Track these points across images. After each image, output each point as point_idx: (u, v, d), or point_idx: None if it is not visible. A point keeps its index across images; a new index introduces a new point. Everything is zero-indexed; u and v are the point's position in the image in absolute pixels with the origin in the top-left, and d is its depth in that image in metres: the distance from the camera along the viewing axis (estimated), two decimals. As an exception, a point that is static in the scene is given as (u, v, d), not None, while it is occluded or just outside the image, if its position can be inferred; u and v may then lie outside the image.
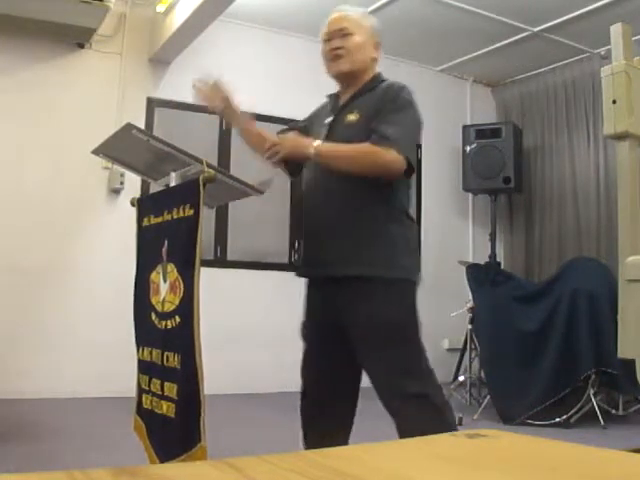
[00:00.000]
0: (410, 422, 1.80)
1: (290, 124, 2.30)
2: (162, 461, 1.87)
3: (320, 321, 2.03)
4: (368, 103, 1.96)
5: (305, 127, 2.19)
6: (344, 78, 2.04)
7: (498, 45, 5.53)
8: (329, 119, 2.03)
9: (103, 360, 4.44)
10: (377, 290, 1.90)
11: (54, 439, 3.23)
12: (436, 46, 5.63)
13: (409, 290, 1.95)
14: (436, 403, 1.87)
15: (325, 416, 2.02)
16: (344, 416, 2.05)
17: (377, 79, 2.03)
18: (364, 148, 1.86)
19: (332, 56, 2.01)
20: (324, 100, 2.18)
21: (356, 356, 1.95)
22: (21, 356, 4.35)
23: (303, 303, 2.10)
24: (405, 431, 1.80)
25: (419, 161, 6.15)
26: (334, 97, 2.12)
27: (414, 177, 2.02)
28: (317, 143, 1.90)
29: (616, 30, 1.98)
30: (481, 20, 5.04)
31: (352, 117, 1.96)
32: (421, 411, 1.83)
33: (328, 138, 1.96)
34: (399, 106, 1.91)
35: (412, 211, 2.06)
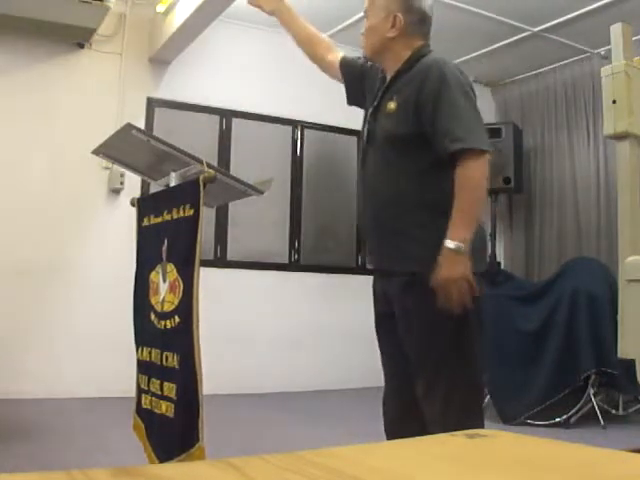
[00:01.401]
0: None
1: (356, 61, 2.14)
2: (161, 461, 1.87)
3: (380, 313, 1.98)
4: (404, 88, 1.82)
5: (362, 82, 2.07)
6: (375, 62, 1.98)
7: (498, 45, 5.52)
8: (370, 109, 1.92)
9: (103, 360, 4.44)
10: (422, 286, 1.76)
11: (54, 439, 3.23)
12: (436, 46, 5.61)
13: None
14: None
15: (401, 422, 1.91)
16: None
17: (414, 56, 1.86)
18: (463, 184, 1.72)
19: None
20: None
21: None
22: (21, 356, 4.34)
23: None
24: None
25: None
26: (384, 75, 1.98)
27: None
28: (450, 242, 1.70)
29: (616, 30, 1.98)
30: (481, 20, 5.04)
31: (391, 105, 1.83)
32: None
33: (372, 131, 1.89)
34: (452, 97, 1.74)
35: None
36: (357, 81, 2.09)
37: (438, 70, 1.77)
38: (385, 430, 1.95)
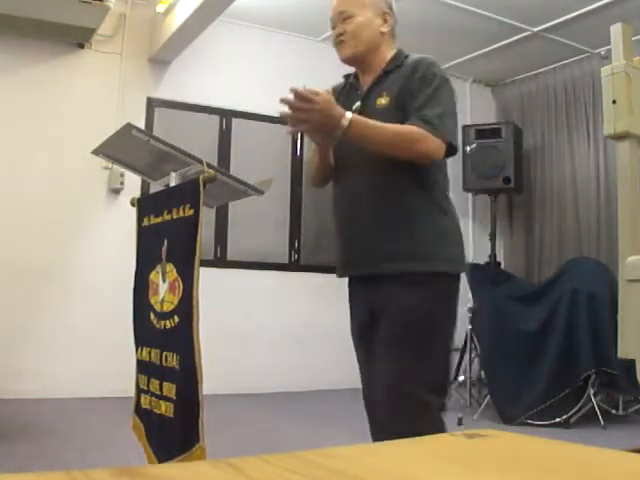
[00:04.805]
0: (403, 426, 1.66)
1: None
2: (160, 461, 1.87)
3: (361, 320, 1.91)
4: (395, 83, 1.82)
5: None
6: (354, 63, 1.91)
7: (498, 45, 5.53)
8: (356, 105, 1.86)
9: (103, 360, 4.44)
10: (410, 286, 1.74)
11: (54, 439, 3.23)
12: (436, 46, 5.61)
13: (447, 286, 1.81)
14: (435, 417, 1.74)
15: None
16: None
17: (400, 55, 1.89)
18: (407, 130, 1.70)
19: (336, 43, 1.89)
20: (340, 81, 2.00)
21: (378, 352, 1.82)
22: (21, 356, 4.34)
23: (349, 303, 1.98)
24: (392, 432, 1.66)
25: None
26: (354, 79, 1.96)
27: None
28: (349, 115, 1.68)
29: (616, 30, 1.98)
30: (481, 20, 5.04)
31: (382, 101, 1.82)
32: (422, 420, 1.70)
33: None
34: (436, 85, 1.78)
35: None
36: None
37: (428, 61, 1.83)
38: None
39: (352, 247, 1.87)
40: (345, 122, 1.67)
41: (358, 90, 1.92)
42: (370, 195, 1.83)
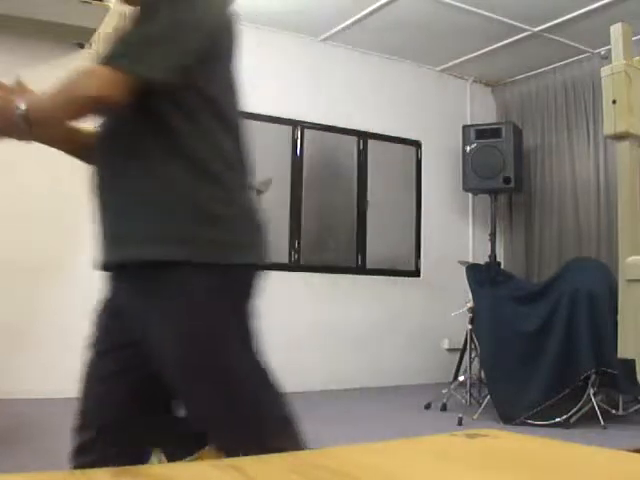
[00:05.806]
0: None
1: None
2: (170, 460, 1.86)
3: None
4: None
5: None
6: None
7: (498, 45, 5.53)
8: None
9: (103, 360, 4.44)
10: (152, 284, 1.26)
11: (54, 439, 3.22)
12: (436, 46, 5.63)
13: (217, 281, 1.27)
14: None
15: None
16: None
17: None
18: (65, 83, 1.25)
19: None
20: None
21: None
22: (21, 356, 4.34)
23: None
24: None
25: (419, 161, 6.15)
26: None
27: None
28: (27, 100, 1.21)
29: (616, 30, 1.98)
30: (481, 20, 5.04)
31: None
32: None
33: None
34: (143, 11, 1.28)
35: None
36: None
37: None
38: None
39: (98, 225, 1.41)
40: (22, 105, 1.20)
41: None
42: (105, 153, 1.40)
